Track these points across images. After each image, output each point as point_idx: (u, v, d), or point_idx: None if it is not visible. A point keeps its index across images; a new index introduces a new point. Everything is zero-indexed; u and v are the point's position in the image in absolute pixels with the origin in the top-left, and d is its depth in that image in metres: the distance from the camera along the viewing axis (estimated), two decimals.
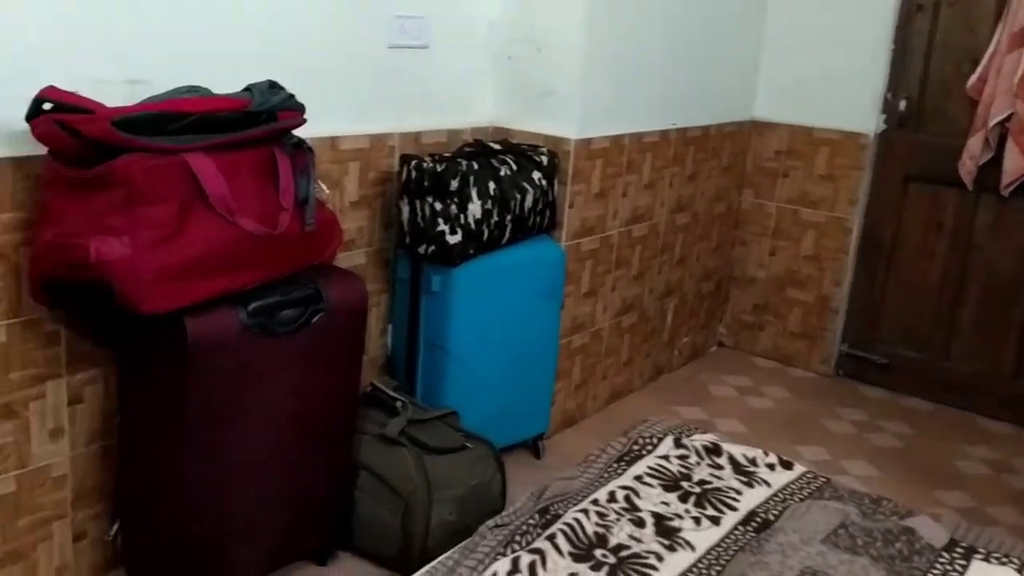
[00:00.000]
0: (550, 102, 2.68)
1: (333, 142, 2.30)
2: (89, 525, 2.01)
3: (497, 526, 1.58)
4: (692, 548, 1.60)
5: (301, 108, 1.89)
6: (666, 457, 1.87)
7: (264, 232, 1.77)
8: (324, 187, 2.04)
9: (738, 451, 1.95)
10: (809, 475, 1.93)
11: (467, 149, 2.57)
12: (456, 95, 2.69)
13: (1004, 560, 1.64)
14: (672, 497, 1.74)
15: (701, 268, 3.56)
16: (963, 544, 1.69)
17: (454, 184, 2.33)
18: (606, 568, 1.50)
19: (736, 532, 1.68)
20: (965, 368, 3.37)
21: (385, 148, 2.47)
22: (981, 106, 3.06)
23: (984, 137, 3.08)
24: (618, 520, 1.63)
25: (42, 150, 1.67)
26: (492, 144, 2.62)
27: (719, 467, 1.89)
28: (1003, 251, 3.24)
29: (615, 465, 1.83)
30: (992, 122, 3.03)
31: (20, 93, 1.60)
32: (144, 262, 1.60)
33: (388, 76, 2.45)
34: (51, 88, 1.60)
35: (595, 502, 1.67)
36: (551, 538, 1.53)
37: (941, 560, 1.63)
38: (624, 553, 1.54)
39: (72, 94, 1.61)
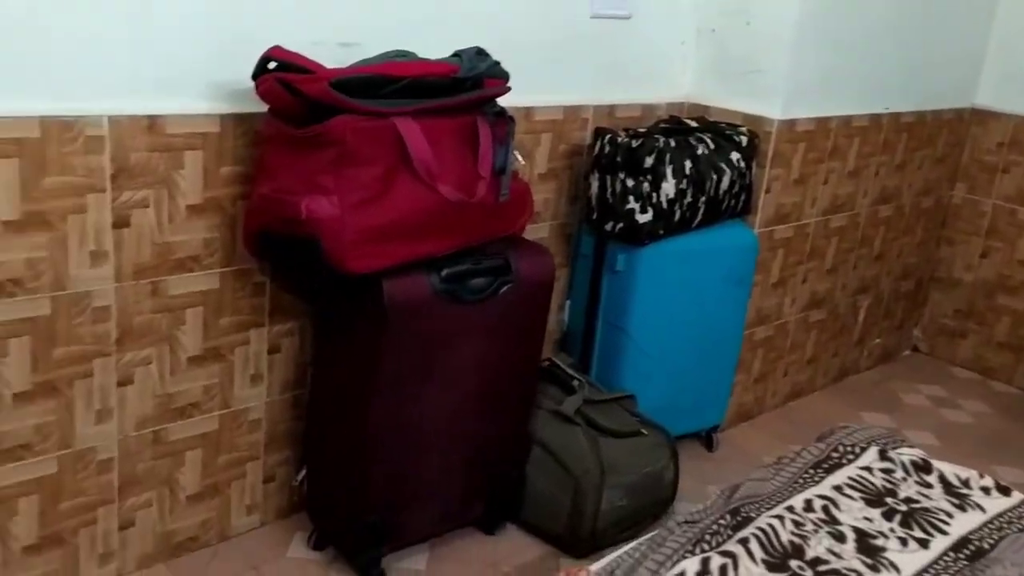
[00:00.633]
0: (753, 79, 2.53)
1: (528, 112, 2.27)
2: (278, 469, 2.11)
3: (687, 522, 1.50)
4: (897, 570, 1.46)
5: (506, 76, 1.87)
6: (869, 469, 1.72)
7: (461, 200, 1.76)
8: (520, 157, 2.01)
9: (949, 470, 1.77)
10: None
11: (663, 125, 2.48)
12: (654, 68, 2.59)
13: None
14: (875, 513, 1.61)
15: (901, 266, 3.30)
16: None
17: (648, 161, 2.25)
18: None
19: (947, 558, 1.52)
20: None
21: (578, 120, 2.41)
22: None
23: None
24: (816, 531, 1.51)
25: (261, 108, 1.72)
26: (688, 121, 2.51)
27: (928, 485, 1.72)
28: None
29: (811, 471, 1.71)
30: None
31: (243, 53, 1.65)
32: (349, 223, 1.63)
33: (587, 46, 2.38)
34: (277, 48, 1.65)
35: (790, 509, 1.56)
36: (743, 542, 1.44)
37: None
38: (822, 568, 1.43)
39: (296, 54, 1.65)
